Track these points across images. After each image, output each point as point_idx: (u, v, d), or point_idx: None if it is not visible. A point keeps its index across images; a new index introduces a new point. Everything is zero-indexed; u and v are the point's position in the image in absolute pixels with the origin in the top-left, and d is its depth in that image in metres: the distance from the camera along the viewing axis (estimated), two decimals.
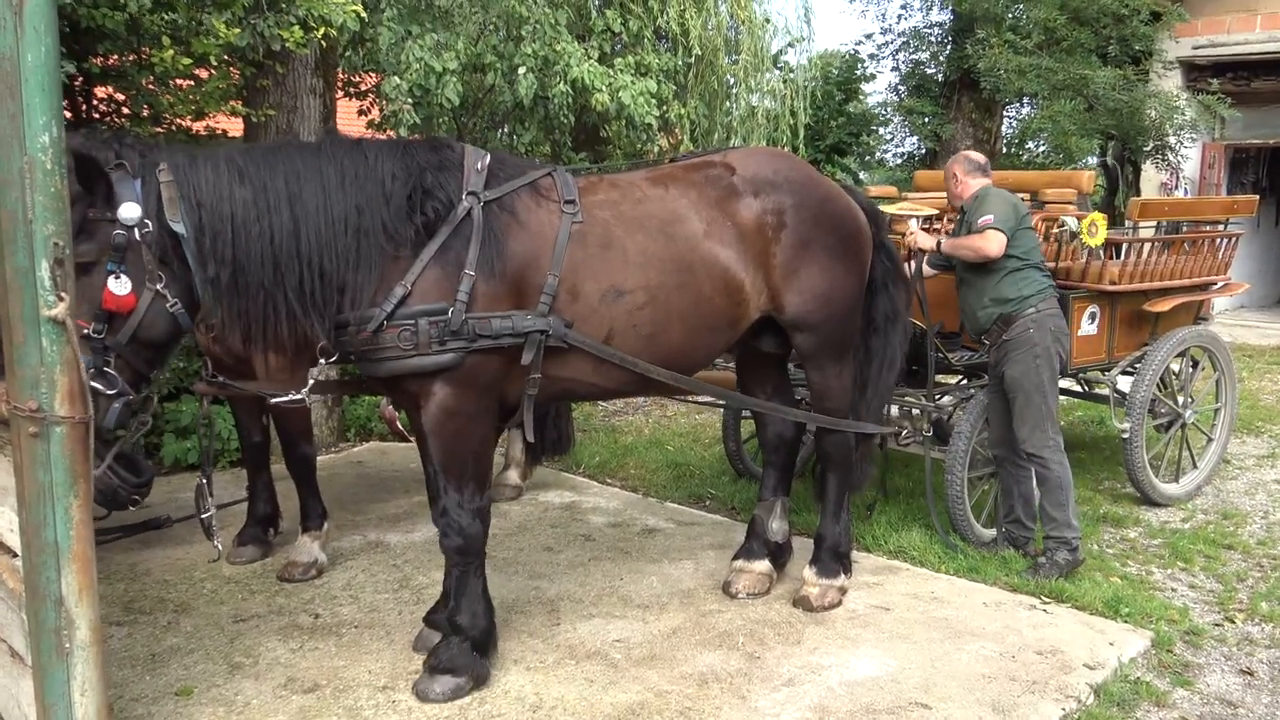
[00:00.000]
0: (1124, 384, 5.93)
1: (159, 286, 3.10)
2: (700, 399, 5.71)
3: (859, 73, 13.89)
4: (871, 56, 14.08)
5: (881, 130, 12.94)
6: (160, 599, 4.48)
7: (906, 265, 5.02)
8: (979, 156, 5.06)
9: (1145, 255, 5.74)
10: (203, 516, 3.79)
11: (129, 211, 3.03)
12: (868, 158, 13.08)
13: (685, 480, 6.40)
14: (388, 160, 3.48)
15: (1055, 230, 5.36)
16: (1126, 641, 4.05)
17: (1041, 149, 13.98)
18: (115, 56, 5.93)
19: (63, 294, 2.74)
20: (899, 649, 3.94)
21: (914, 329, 5.01)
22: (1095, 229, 5.19)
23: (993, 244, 4.66)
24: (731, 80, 8.87)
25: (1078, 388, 6.46)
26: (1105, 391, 5.96)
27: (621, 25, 8.22)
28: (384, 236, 3.37)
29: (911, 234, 4.94)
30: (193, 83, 6.08)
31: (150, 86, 5.92)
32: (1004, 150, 13.40)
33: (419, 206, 3.42)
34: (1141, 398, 5.71)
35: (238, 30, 5.39)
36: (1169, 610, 4.40)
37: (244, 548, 4.97)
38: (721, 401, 5.29)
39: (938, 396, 5.46)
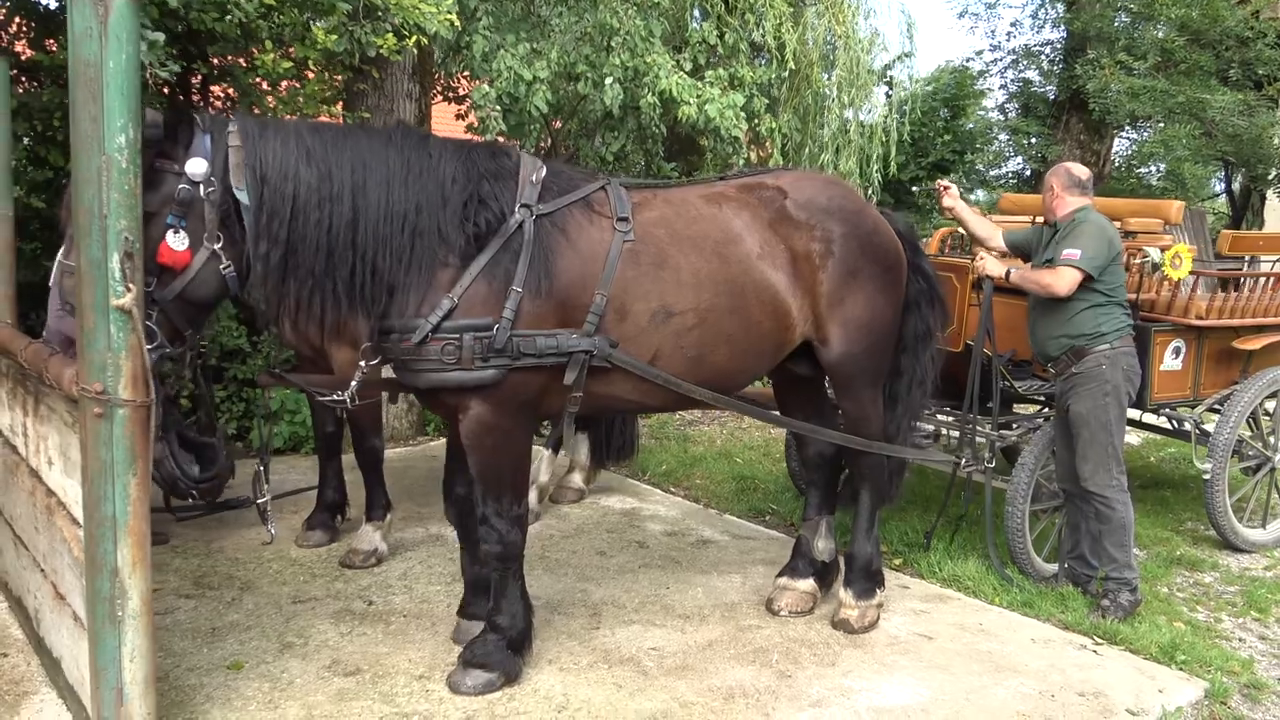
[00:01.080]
0: (1211, 423, 5.70)
1: (216, 246, 3.15)
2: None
3: (968, 89, 13.59)
4: (981, 73, 13.79)
5: (986, 149, 12.61)
6: (229, 576, 4.72)
7: (977, 292, 4.93)
8: (1082, 171, 4.77)
9: (1237, 290, 5.51)
10: (258, 501, 3.96)
11: (196, 167, 3.09)
12: (973, 176, 12.78)
13: (749, 494, 6.41)
14: (450, 161, 3.47)
15: (1138, 261, 5.19)
16: (1177, 690, 3.90)
17: (1154, 175, 13.47)
18: (228, 57, 6.26)
19: (130, 285, 2.93)
20: (935, 679, 3.88)
21: (984, 356, 4.93)
22: (1179, 261, 5.01)
23: (1063, 282, 4.48)
24: (829, 95, 8.81)
25: (1164, 424, 6.22)
26: (1189, 429, 5.72)
27: (717, 38, 8.26)
28: (438, 239, 3.37)
29: (981, 260, 4.84)
30: (297, 84, 6.37)
31: (263, 87, 6.23)
32: (1113, 175, 12.95)
33: (472, 215, 3.42)
34: (1225, 439, 5.48)
35: (335, 36, 5.62)
36: (1231, 661, 4.22)
37: (311, 532, 5.19)
38: (762, 421, 5.24)
39: (1007, 426, 5.34)
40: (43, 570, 3.75)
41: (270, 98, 6.20)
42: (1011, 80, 13.27)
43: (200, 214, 3.13)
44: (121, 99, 2.89)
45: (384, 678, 3.75)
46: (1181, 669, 4.09)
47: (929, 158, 12.84)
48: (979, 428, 4.96)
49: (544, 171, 3.64)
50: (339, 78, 6.50)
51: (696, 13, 8.84)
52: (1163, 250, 5.08)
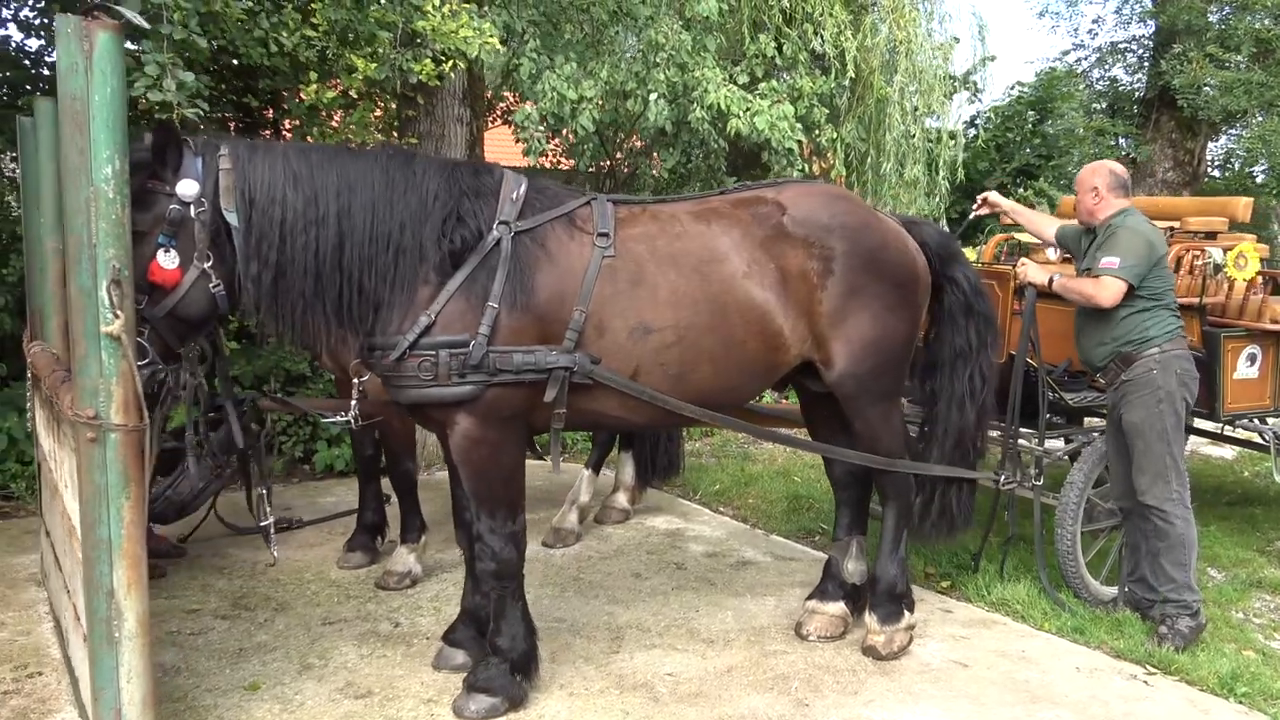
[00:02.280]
0: None
1: (206, 266, 3.20)
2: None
3: (1055, 91, 13.10)
4: (1067, 74, 13.25)
5: (1073, 152, 12.11)
6: (266, 597, 4.79)
7: (1017, 300, 4.70)
8: (1123, 170, 4.54)
9: None
10: (261, 524, 4.01)
11: (187, 188, 3.15)
12: (1061, 181, 12.29)
13: (801, 513, 6.23)
14: (434, 179, 3.50)
15: (1200, 263, 4.87)
16: None
17: (1257, 173, 12.71)
18: (283, 90, 6.45)
19: (119, 311, 3.00)
20: (962, 710, 3.68)
21: (1028, 367, 4.69)
22: (1244, 261, 4.69)
23: (1106, 293, 4.27)
24: (892, 102, 8.60)
25: (1254, 436, 5.82)
26: (1264, 440, 5.33)
27: (775, 50, 8.15)
28: (418, 257, 3.40)
29: (1022, 266, 4.61)
30: (348, 113, 6.50)
31: (321, 116, 6.38)
32: (1208, 175, 12.28)
33: (450, 232, 3.43)
34: None
35: (375, 65, 5.72)
36: None
37: (352, 554, 5.24)
38: (764, 440, 5.05)
39: (1062, 439, 5.07)
40: (68, 591, 3.86)
41: (319, 128, 6.33)
42: (1097, 79, 12.73)
43: (191, 234, 3.19)
44: (107, 131, 2.95)
45: (393, 700, 3.73)
46: (1241, 702, 3.79)
47: (1013, 163, 12.41)
48: (1024, 442, 4.71)
49: (524, 188, 3.63)
50: (381, 107, 6.59)
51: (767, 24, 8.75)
52: (1225, 250, 4.76)
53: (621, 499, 6.03)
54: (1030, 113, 12.60)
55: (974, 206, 4.95)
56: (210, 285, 3.24)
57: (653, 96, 6.77)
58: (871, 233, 3.97)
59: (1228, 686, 3.86)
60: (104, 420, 3.03)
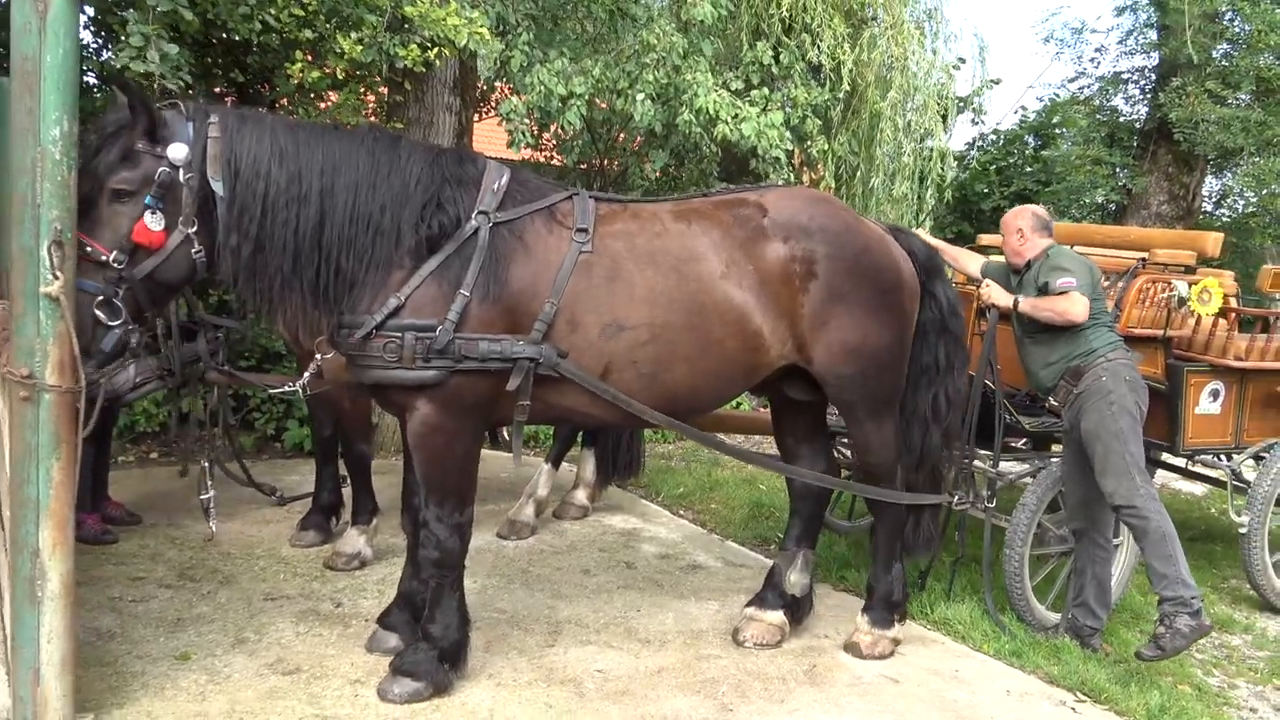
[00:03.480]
0: (1252, 472, 5.31)
1: (190, 231, 3.20)
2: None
3: (1059, 118, 13.10)
4: (1071, 102, 13.25)
5: (1069, 179, 12.11)
6: (214, 570, 4.79)
7: (979, 322, 4.71)
8: (1045, 213, 4.73)
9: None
10: (202, 497, 4.01)
11: (178, 152, 3.15)
12: (1058, 207, 12.29)
13: (761, 521, 6.24)
14: (418, 163, 3.50)
15: (1163, 295, 4.87)
16: None
17: (1248, 209, 12.70)
18: (271, 68, 6.45)
19: (59, 273, 3.01)
20: None
21: (985, 389, 4.70)
22: (1208, 296, 4.69)
23: (1078, 307, 4.33)
24: (885, 117, 8.60)
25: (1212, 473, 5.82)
26: (1223, 477, 5.33)
27: (772, 58, 8.16)
28: (394, 239, 3.40)
29: (986, 288, 4.61)
30: (337, 95, 6.51)
31: (310, 96, 6.40)
32: (1204, 210, 12.27)
33: (428, 218, 3.44)
34: (1266, 490, 5.11)
35: (360, 48, 5.73)
36: None
37: (305, 532, 5.25)
38: (725, 454, 5.06)
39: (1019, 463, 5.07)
40: (5, 550, 3.87)
41: (307, 108, 6.34)
42: (1099, 108, 12.72)
43: (178, 198, 3.19)
44: (57, 93, 2.98)
45: (320, 679, 3.73)
46: None
47: (1012, 187, 12.40)
48: (979, 463, 4.71)
49: (506, 179, 3.64)
50: (370, 92, 6.60)
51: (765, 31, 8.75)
52: (1190, 285, 4.76)
53: (580, 495, 6.03)
54: (1031, 138, 12.62)
55: None
56: (192, 251, 3.24)
57: (639, 96, 6.77)
58: (854, 236, 3.96)
59: (1154, 718, 3.85)
60: (38, 380, 3.04)
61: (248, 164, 3.26)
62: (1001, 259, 4.85)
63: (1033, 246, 4.59)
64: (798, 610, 4.36)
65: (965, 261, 5.01)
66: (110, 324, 3.13)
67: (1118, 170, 11.93)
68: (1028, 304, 4.46)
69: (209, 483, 4.02)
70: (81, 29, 6.29)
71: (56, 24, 2.96)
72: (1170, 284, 4.85)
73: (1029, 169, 13.06)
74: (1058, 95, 13.49)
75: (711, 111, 6.92)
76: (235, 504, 5.75)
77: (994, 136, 13.42)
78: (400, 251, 3.41)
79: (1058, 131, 13.01)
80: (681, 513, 6.36)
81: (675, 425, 3.83)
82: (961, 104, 11.00)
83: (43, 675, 3.14)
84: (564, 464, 6.16)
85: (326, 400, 5.12)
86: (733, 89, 7.59)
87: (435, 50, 5.82)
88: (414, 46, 5.80)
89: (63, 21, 2.97)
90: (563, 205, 3.70)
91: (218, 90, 6.39)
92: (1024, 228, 4.61)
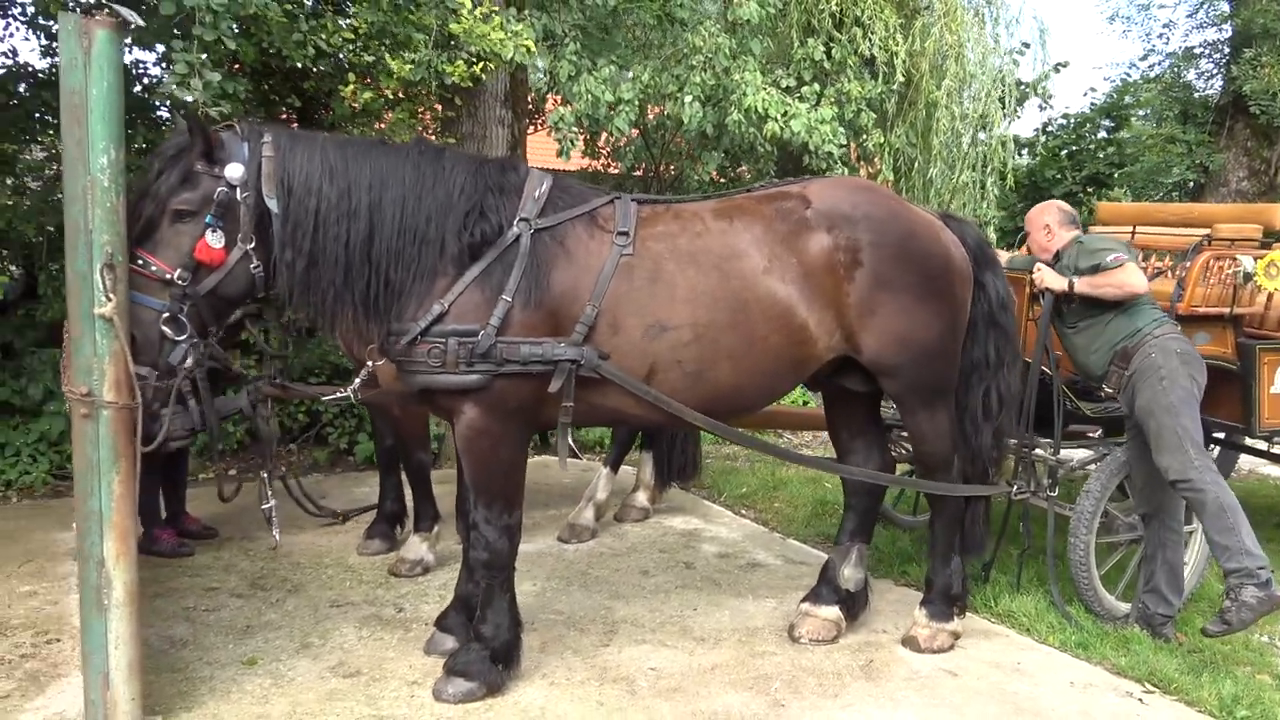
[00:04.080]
0: None
1: (249, 247, 3.32)
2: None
3: (1129, 98, 12.69)
4: (1143, 80, 12.83)
5: (1143, 159, 11.70)
6: (284, 579, 4.94)
7: (1032, 307, 4.61)
8: (1069, 209, 4.76)
9: None
10: (264, 508, 4.14)
11: (235, 171, 3.28)
12: (1139, 188, 11.89)
13: (824, 519, 6.18)
14: (461, 173, 3.59)
15: (1229, 271, 4.70)
16: None
17: None
18: (326, 91, 6.65)
19: (112, 295, 3.15)
20: (939, 718, 3.61)
21: (1043, 375, 4.60)
22: (1275, 270, 4.51)
23: (1136, 276, 4.29)
24: (942, 106, 8.46)
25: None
26: None
27: (824, 54, 8.11)
28: (439, 248, 3.49)
29: (1039, 271, 4.51)
30: (392, 115, 6.68)
31: (370, 118, 6.58)
32: None
33: (471, 226, 3.51)
34: None
35: (409, 67, 5.87)
36: None
37: (370, 541, 5.38)
38: (770, 456, 5.04)
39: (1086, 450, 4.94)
40: None
41: (363, 129, 6.52)
42: (1170, 86, 12.28)
43: (236, 216, 3.31)
44: (104, 124, 3.12)
45: (379, 681, 3.82)
46: None
47: (1084, 171, 12.06)
48: (1040, 451, 4.61)
49: (548, 186, 3.70)
50: (423, 109, 6.74)
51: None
52: (1256, 259, 4.59)
53: (641, 498, 6.05)
54: (1104, 119, 12.26)
55: None
56: (251, 266, 3.36)
57: (688, 99, 6.79)
58: (899, 222, 3.92)
59: (1228, 709, 3.71)
60: (96, 397, 3.18)
61: (300, 181, 3.38)
62: (1021, 254, 4.81)
63: (1060, 239, 4.58)
64: (853, 606, 4.32)
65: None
66: (176, 339, 3.26)
67: (1193, 148, 11.51)
68: (1085, 283, 4.36)
69: (269, 493, 4.15)
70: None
71: (101, 58, 3.10)
72: (1235, 259, 4.68)
73: (1102, 152, 12.68)
74: (1128, 75, 13.12)
75: (761, 110, 6.91)
76: (305, 516, 5.92)
77: (1064, 120, 13.10)
78: (445, 260, 3.50)
79: (1130, 112, 12.60)
80: (744, 512, 6.34)
81: (716, 428, 3.83)
82: (1027, 89, 10.78)
83: (112, 680, 3.28)
84: (625, 468, 6.20)
85: (382, 410, 5.25)
86: (783, 86, 7.57)
87: (480, 65, 5.93)
88: (460, 63, 5.92)
89: (106, 56, 3.11)
90: (604, 209, 3.75)
91: (277, 116, 6.60)
92: (1050, 223, 4.63)
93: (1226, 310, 4.76)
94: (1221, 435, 5.63)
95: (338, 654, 4.07)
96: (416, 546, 5.08)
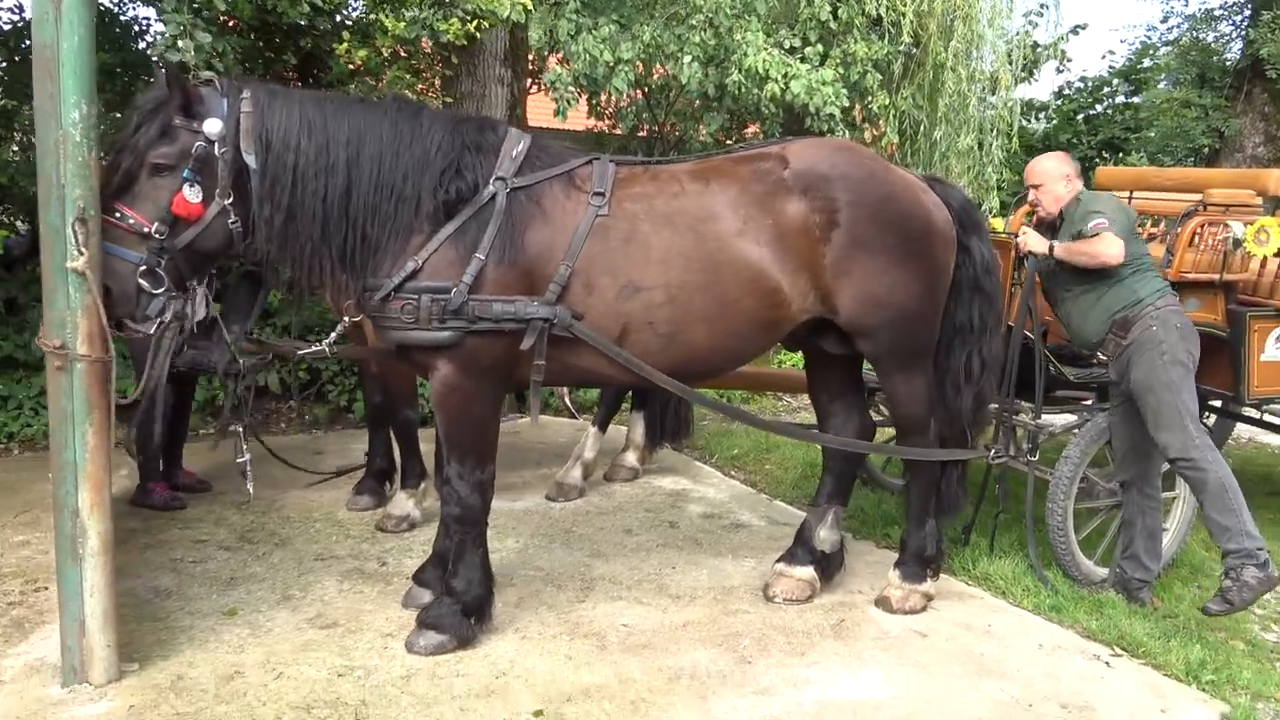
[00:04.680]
0: None
1: (227, 202, 3.35)
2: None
3: (1147, 63, 12.44)
4: (1164, 44, 12.59)
5: (1157, 123, 11.49)
6: (272, 533, 5.01)
7: (1018, 271, 4.58)
8: (1068, 158, 4.62)
9: None
10: (238, 461, 4.19)
11: (213, 126, 3.29)
12: (1154, 153, 11.70)
13: (813, 481, 6.09)
14: (438, 130, 3.60)
15: (1219, 237, 4.65)
16: (1185, 710, 3.50)
17: None
18: (325, 49, 6.63)
19: (84, 249, 3.19)
20: (905, 677, 3.64)
21: (1026, 339, 4.58)
22: (1265, 236, 4.46)
23: (1113, 248, 4.15)
24: (956, 67, 8.34)
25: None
26: None
27: (830, 13, 7.99)
28: (415, 205, 3.50)
29: (1023, 235, 4.47)
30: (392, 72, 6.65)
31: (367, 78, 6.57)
32: None
33: (447, 184, 3.53)
34: None
35: (403, 24, 5.84)
36: (1275, 686, 3.73)
37: (360, 496, 5.44)
38: (740, 421, 5.03)
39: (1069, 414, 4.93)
40: None
41: (359, 86, 6.51)
42: (1188, 49, 12.04)
43: (214, 171, 3.33)
44: (75, 79, 3.14)
45: (354, 633, 3.89)
46: (1204, 689, 3.65)
47: (1099, 135, 11.88)
48: (1020, 416, 4.60)
49: (525, 146, 3.70)
50: (423, 67, 6.72)
51: None
52: (1246, 225, 4.53)
53: (630, 458, 6.09)
54: (1121, 82, 12.04)
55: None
56: (229, 221, 3.39)
57: (687, 59, 6.73)
58: (877, 183, 3.89)
59: (1193, 673, 3.72)
60: (70, 350, 3.23)
61: (278, 137, 3.39)
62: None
63: (1058, 196, 4.44)
64: (828, 566, 4.35)
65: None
66: (154, 291, 3.29)
67: (1209, 112, 11.29)
68: (1063, 249, 4.31)
69: (244, 447, 4.21)
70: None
71: (71, 12, 3.12)
72: (1226, 225, 4.62)
73: (1120, 117, 12.49)
74: (1148, 37, 12.87)
75: (761, 71, 6.84)
76: (292, 471, 5.99)
77: (1080, 84, 12.90)
78: (420, 217, 3.52)
79: (1148, 76, 12.37)
80: (734, 474, 6.37)
81: (685, 392, 3.85)
82: (1044, 52, 10.59)
83: (88, 627, 3.37)
84: (620, 427, 6.23)
85: (367, 368, 5.30)
86: (787, 47, 7.48)
87: (475, 23, 5.90)
88: (455, 20, 5.89)
89: (77, 10, 3.12)
90: (582, 170, 3.75)
91: (276, 75, 6.59)
92: (1070, 172, 4.47)
93: (1216, 277, 4.71)
94: (1218, 404, 5.59)
95: (317, 606, 4.14)
96: (403, 503, 5.14)
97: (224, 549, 4.77)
